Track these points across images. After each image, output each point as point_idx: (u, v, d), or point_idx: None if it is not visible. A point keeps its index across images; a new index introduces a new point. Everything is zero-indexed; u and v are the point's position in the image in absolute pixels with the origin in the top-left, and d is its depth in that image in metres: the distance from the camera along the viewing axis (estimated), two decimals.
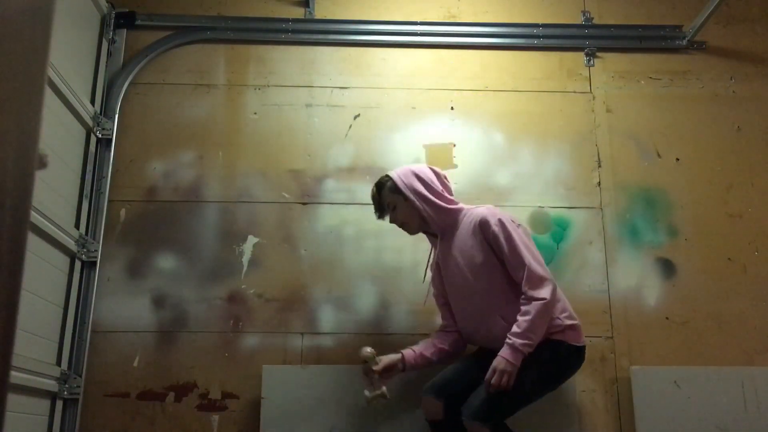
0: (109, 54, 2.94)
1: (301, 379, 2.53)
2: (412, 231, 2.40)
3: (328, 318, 2.70)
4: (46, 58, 0.89)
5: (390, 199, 2.35)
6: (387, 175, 2.39)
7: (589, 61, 3.06)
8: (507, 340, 2.11)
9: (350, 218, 2.81)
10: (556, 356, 2.20)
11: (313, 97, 2.97)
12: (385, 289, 2.74)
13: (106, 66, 2.91)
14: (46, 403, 2.43)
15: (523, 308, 2.13)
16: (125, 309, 2.68)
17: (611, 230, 2.83)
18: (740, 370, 2.60)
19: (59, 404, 2.48)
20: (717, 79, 3.05)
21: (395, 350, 2.50)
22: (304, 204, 2.83)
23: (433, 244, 2.44)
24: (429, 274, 2.47)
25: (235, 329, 2.67)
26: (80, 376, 2.54)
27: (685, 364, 2.66)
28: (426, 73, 3.01)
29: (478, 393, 2.14)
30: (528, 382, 2.13)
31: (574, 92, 3.01)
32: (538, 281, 2.14)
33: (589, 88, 3.02)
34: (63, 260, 2.56)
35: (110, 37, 2.94)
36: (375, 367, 2.27)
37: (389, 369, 2.31)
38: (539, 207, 2.83)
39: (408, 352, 2.35)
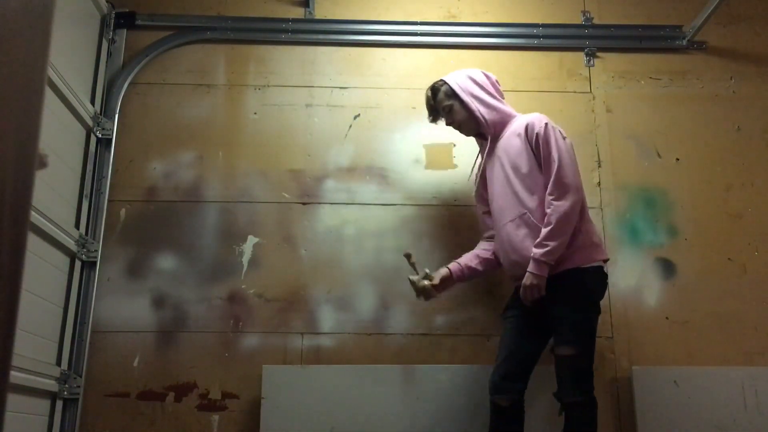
0: (109, 54, 2.94)
1: (301, 379, 2.52)
2: (468, 132, 2.50)
3: (328, 318, 2.70)
4: (46, 58, 0.89)
5: (446, 102, 2.45)
6: (442, 80, 2.48)
7: (589, 61, 3.06)
8: (531, 254, 2.19)
9: (350, 218, 2.81)
10: (581, 286, 2.23)
11: (313, 97, 2.97)
12: (385, 289, 2.74)
13: (106, 66, 2.91)
14: (46, 403, 2.43)
15: (546, 219, 2.20)
16: (125, 309, 2.67)
17: (611, 230, 2.83)
18: (740, 370, 2.60)
19: (59, 404, 2.48)
20: (717, 79, 3.05)
21: (395, 351, 2.50)
22: (304, 204, 2.83)
23: (482, 148, 2.51)
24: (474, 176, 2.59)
25: (235, 329, 2.67)
26: (80, 376, 2.54)
27: (685, 364, 2.66)
28: (426, 73, 3.00)
29: (561, 370, 2.19)
30: (579, 331, 2.20)
31: (574, 92, 3.01)
32: (563, 187, 2.21)
33: (589, 88, 3.02)
34: (63, 260, 2.56)
35: (110, 37, 2.94)
36: (433, 282, 2.42)
37: (444, 282, 2.45)
38: None
39: (454, 266, 2.48)
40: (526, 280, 2.20)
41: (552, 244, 2.17)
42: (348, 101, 2.96)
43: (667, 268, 2.80)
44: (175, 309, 2.68)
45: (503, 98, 2.48)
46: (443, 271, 2.46)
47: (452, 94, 2.44)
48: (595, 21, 3.11)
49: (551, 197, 2.21)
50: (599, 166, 2.91)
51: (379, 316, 2.71)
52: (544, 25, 3.08)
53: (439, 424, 2.48)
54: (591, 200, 2.85)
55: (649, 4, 3.15)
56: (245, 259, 2.75)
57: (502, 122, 2.40)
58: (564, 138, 2.32)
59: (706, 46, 3.09)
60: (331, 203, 2.83)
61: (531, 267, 2.19)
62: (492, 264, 2.48)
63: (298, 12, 3.08)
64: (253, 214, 2.81)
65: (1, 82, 0.77)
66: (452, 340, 2.68)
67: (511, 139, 2.35)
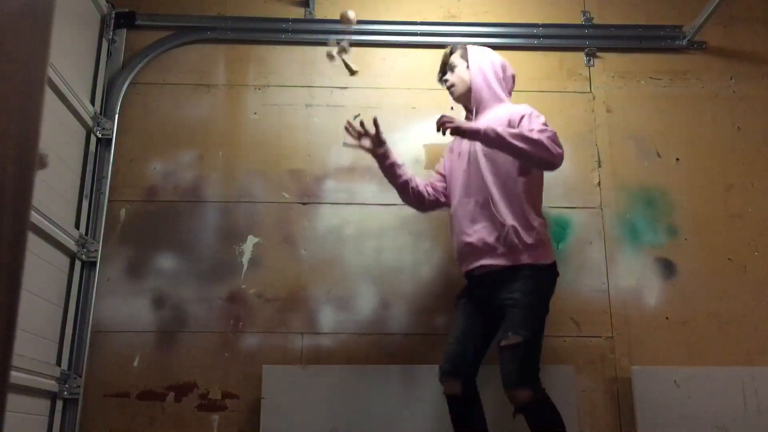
0: (109, 54, 2.94)
1: (301, 379, 2.53)
2: (455, 95, 2.51)
3: (328, 318, 2.70)
4: (46, 58, 0.89)
5: (455, 61, 2.49)
6: (466, 45, 2.53)
7: (589, 61, 3.06)
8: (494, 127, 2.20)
9: (350, 218, 2.81)
10: (537, 281, 2.21)
11: (313, 97, 2.97)
12: (385, 289, 2.74)
13: (106, 66, 2.91)
14: (46, 403, 2.43)
15: (533, 132, 2.19)
16: (125, 309, 2.67)
17: (611, 230, 2.83)
18: (740, 370, 2.60)
19: (59, 404, 2.48)
20: (717, 79, 3.05)
21: (395, 351, 2.49)
22: (304, 204, 2.83)
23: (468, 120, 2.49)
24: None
25: (235, 329, 2.67)
26: (80, 376, 2.54)
27: (685, 364, 2.66)
28: (426, 73, 3.00)
29: (506, 362, 2.14)
30: (531, 321, 2.16)
31: (574, 92, 3.01)
32: (552, 143, 2.17)
33: (589, 88, 3.02)
34: (63, 260, 2.56)
35: (110, 37, 2.94)
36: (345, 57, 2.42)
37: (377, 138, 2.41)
38: None
39: (393, 153, 2.44)
40: (459, 120, 2.24)
41: (497, 137, 2.16)
42: (348, 101, 2.96)
43: (667, 268, 2.80)
44: (175, 309, 2.68)
45: (508, 91, 2.48)
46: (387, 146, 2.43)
47: (464, 56, 2.47)
48: (595, 21, 3.11)
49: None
50: (599, 166, 2.91)
51: (379, 316, 2.71)
52: (544, 25, 3.08)
53: (438, 425, 2.48)
54: (591, 200, 2.86)
55: (649, 4, 3.15)
56: (245, 259, 2.75)
57: (490, 104, 2.40)
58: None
59: (706, 46, 3.09)
60: (331, 203, 2.83)
61: (473, 124, 2.23)
62: (408, 190, 2.44)
63: (298, 12, 3.08)
64: (253, 214, 2.81)
65: (1, 82, 0.77)
66: None
67: (495, 122, 2.31)
